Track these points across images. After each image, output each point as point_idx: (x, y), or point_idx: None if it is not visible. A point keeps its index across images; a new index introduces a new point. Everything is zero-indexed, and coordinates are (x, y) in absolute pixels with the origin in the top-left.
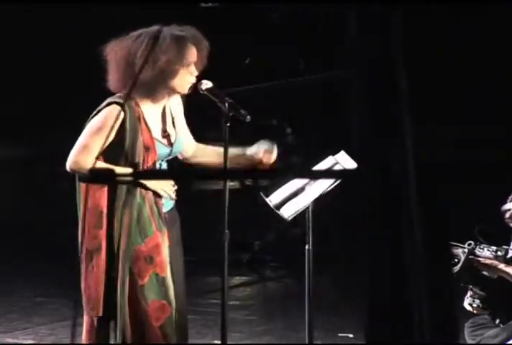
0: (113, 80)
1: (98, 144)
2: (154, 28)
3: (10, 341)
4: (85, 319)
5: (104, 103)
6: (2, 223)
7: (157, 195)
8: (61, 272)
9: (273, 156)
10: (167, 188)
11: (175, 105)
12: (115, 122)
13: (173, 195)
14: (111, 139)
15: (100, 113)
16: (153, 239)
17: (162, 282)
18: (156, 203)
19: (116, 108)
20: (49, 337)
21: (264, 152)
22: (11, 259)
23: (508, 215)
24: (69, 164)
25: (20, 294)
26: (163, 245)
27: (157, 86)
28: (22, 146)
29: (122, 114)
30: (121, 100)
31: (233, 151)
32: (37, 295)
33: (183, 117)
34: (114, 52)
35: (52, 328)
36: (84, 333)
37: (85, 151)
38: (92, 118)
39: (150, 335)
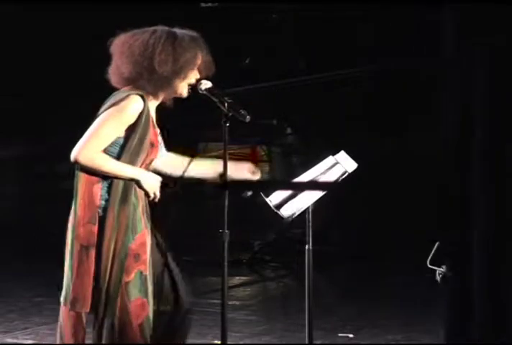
0: (124, 71)
1: (110, 135)
2: (164, 27)
3: (10, 341)
4: (70, 315)
5: (123, 95)
6: (1, 223)
7: (147, 194)
8: (61, 272)
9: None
10: (157, 191)
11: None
12: (134, 114)
13: (157, 199)
14: (123, 130)
15: (121, 103)
16: (141, 237)
17: (144, 280)
18: (146, 202)
19: (138, 99)
20: (49, 337)
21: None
22: (11, 259)
23: None
24: (76, 154)
25: (19, 294)
26: (148, 243)
27: (167, 83)
28: (22, 147)
29: (142, 107)
30: (142, 93)
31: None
32: (36, 295)
33: None
34: (128, 46)
35: (52, 328)
36: (68, 332)
37: (96, 141)
38: (108, 108)
39: (129, 332)
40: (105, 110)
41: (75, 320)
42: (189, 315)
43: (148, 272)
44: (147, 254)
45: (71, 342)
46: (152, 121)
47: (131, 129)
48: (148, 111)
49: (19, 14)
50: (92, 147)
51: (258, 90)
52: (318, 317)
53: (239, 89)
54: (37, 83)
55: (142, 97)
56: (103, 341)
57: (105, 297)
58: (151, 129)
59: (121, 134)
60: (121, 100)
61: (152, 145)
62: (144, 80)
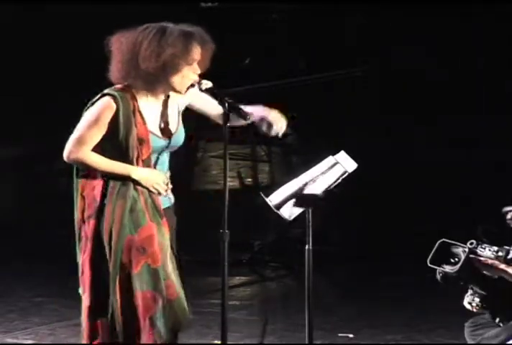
0: (115, 70)
1: (92, 136)
2: (158, 23)
3: (10, 341)
4: (86, 307)
5: (98, 95)
6: (1, 223)
7: (149, 190)
8: (60, 272)
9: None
10: (158, 186)
11: (185, 99)
12: (108, 114)
13: (164, 193)
14: (104, 131)
15: (94, 105)
16: (146, 230)
17: (153, 273)
18: (151, 196)
19: (108, 100)
20: (49, 337)
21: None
22: (11, 259)
23: (509, 216)
24: (65, 156)
25: (19, 294)
26: (157, 236)
27: (157, 79)
28: (22, 147)
29: (115, 106)
30: (114, 92)
31: None
32: (36, 295)
33: (202, 99)
34: (120, 43)
35: (52, 328)
36: (86, 321)
37: (80, 143)
38: (86, 110)
39: (137, 325)
40: (86, 109)
41: (88, 312)
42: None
43: (159, 265)
44: (156, 247)
45: (88, 334)
46: (142, 118)
47: (112, 128)
48: (128, 109)
49: (18, 13)
50: (78, 147)
51: (258, 90)
52: (318, 317)
53: (239, 89)
54: (37, 83)
55: (114, 97)
56: (100, 332)
57: (104, 289)
58: (139, 126)
59: (105, 131)
60: (95, 101)
61: (142, 141)
62: (132, 77)
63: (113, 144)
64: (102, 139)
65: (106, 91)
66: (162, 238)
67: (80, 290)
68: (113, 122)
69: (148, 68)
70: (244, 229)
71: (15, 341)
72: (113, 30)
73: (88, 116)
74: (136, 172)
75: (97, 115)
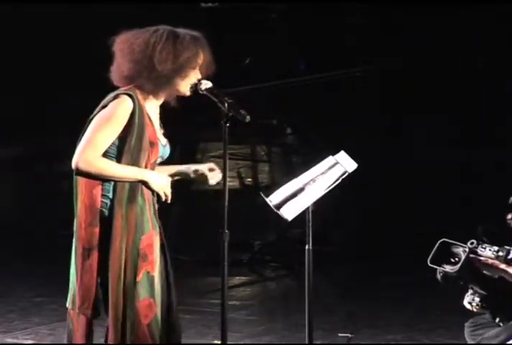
0: (124, 69)
1: (106, 139)
2: (166, 26)
3: (10, 341)
4: (80, 320)
5: (111, 96)
6: (1, 223)
7: (153, 194)
8: (60, 272)
9: (215, 176)
10: (168, 192)
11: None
12: (126, 113)
13: (169, 200)
14: (119, 132)
15: (110, 105)
16: (149, 238)
17: (151, 280)
18: (153, 203)
19: (126, 99)
20: (49, 337)
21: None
22: (11, 259)
23: (509, 216)
24: (76, 162)
25: (19, 294)
26: (155, 244)
27: (167, 82)
28: (22, 147)
29: (132, 106)
30: (129, 92)
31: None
32: (36, 295)
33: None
34: (129, 44)
35: (52, 328)
36: (80, 335)
37: (93, 147)
38: (98, 112)
39: (139, 333)
40: (97, 113)
41: (86, 324)
42: (179, 319)
43: (155, 272)
44: (154, 255)
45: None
46: (150, 120)
47: (127, 129)
48: (141, 110)
49: (18, 13)
50: (90, 153)
51: (258, 90)
52: (318, 317)
53: (239, 89)
54: (37, 83)
55: (131, 96)
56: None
57: (122, 299)
58: (149, 128)
59: (118, 134)
60: (110, 101)
61: (152, 144)
62: (144, 78)
63: (124, 146)
64: (114, 141)
65: (119, 91)
66: (157, 245)
67: (69, 303)
68: (130, 122)
69: (164, 70)
70: (244, 229)
71: (15, 341)
72: (113, 30)
73: (104, 116)
74: (152, 176)
75: (115, 114)
